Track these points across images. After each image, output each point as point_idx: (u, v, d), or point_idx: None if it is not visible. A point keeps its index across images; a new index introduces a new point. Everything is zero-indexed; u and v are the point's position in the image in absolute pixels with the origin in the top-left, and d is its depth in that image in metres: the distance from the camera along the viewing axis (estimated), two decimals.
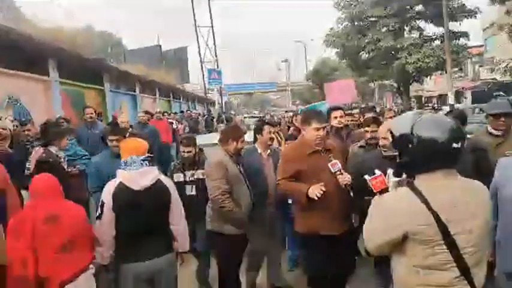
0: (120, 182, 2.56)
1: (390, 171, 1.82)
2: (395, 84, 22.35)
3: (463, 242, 1.53)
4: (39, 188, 2.45)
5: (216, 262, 3.54)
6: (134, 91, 15.51)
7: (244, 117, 20.55)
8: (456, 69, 22.32)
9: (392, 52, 18.98)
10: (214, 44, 32.72)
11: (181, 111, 18.88)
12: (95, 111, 6.53)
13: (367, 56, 20.79)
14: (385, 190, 1.78)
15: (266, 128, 3.73)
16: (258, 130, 3.76)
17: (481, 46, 27.25)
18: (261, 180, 3.52)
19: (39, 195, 2.43)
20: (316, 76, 32.11)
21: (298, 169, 2.88)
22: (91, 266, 2.48)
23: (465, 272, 1.55)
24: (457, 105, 16.13)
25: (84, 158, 4.75)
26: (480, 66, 27.15)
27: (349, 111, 5.32)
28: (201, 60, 32.54)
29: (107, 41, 28.33)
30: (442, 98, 29.66)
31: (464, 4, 18.97)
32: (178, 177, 3.96)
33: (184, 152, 3.91)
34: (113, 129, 4.14)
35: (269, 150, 3.75)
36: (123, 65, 17.13)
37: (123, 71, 13.69)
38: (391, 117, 4.53)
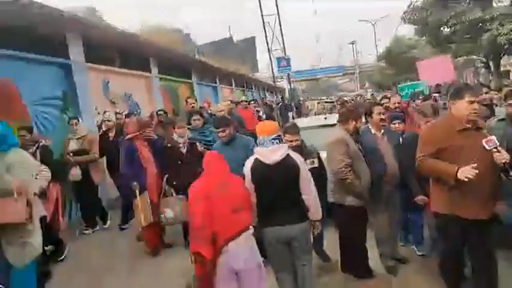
0: (256, 158, 2.95)
1: None
2: (483, 59, 20.49)
3: None
4: (210, 162, 2.90)
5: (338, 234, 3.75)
6: (215, 82, 16.26)
7: (318, 102, 20.44)
8: None
9: (480, 24, 17.44)
10: (281, 31, 32.66)
11: (254, 100, 19.30)
12: (196, 101, 7.15)
13: (448, 30, 19.36)
14: None
15: (376, 109, 3.85)
16: (369, 112, 3.87)
17: None
18: (377, 159, 3.64)
19: (211, 168, 2.87)
20: (389, 56, 30.44)
21: (442, 147, 2.77)
22: (251, 227, 2.83)
23: None
24: None
25: None
26: None
27: None
28: (269, 49, 32.74)
29: (177, 37, 29.79)
30: None
31: None
32: None
33: (291, 141, 3.66)
34: (217, 122, 4.51)
35: (382, 130, 3.85)
36: (201, 58, 18.00)
37: (208, 64, 14.41)
38: None
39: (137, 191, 4.58)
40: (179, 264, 4.15)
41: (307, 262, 3.06)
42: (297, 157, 3.01)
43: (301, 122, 5.81)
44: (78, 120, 5.64)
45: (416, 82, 7.73)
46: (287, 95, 29.99)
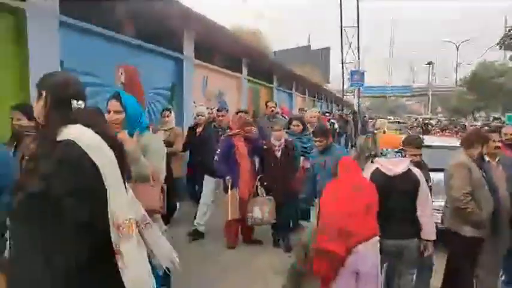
0: (377, 168, 2.99)
1: None
2: None
3: None
4: (346, 165, 3.01)
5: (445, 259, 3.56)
6: (291, 89, 16.41)
7: (390, 122, 19.79)
8: None
9: None
10: (358, 46, 32.12)
11: (329, 112, 19.04)
12: (276, 105, 7.30)
13: None
14: None
15: (492, 136, 3.66)
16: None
17: None
18: (492, 188, 3.40)
19: (347, 169, 2.97)
20: (473, 80, 28.45)
21: None
22: (377, 236, 2.81)
23: None
24: None
25: None
26: None
27: None
28: (342, 62, 32.34)
29: (255, 41, 30.45)
30: None
31: None
32: None
33: (415, 155, 3.54)
34: (315, 132, 4.55)
35: (497, 158, 3.68)
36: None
37: (289, 71, 14.57)
38: None
39: (229, 185, 4.72)
40: (267, 261, 4.27)
41: (411, 275, 3.06)
42: (417, 172, 3.01)
43: None
44: (170, 113, 5.74)
45: None
46: (355, 109, 29.37)
